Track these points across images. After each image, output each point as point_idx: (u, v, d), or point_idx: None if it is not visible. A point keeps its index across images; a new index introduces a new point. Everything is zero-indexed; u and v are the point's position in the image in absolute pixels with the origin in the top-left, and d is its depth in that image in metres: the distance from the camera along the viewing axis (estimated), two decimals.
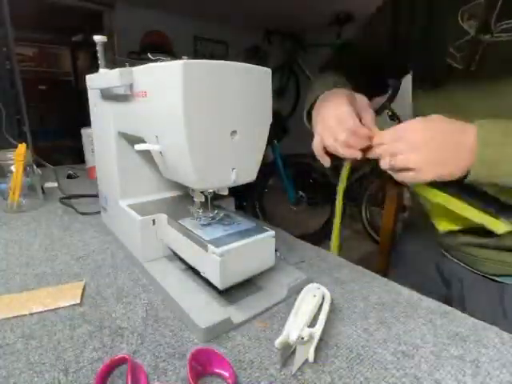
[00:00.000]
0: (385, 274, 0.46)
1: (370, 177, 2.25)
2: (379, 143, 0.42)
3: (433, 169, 0.39)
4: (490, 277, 0.50)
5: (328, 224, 2.16)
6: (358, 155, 0.42)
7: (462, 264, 0.54)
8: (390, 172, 0.42)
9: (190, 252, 0.40)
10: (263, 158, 0.42)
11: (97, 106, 0.53)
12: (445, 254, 0.56)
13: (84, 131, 1.00)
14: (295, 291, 0.40)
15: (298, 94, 3.84)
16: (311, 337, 0.31)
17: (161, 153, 0.38)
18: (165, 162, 0.39)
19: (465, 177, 0.38)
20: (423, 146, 0.39)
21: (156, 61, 0.37)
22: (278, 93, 3.64)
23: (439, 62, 0.52)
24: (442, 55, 0.51)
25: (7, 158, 0.69)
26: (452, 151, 0.38)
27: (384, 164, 0.41)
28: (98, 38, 0.47)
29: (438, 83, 0.53)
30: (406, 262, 0.66)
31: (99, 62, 0.48)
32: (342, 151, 0.42)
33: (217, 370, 0.29)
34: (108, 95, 0.47)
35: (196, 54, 3.46)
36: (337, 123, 0.43)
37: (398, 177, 0.41)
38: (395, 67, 0.64)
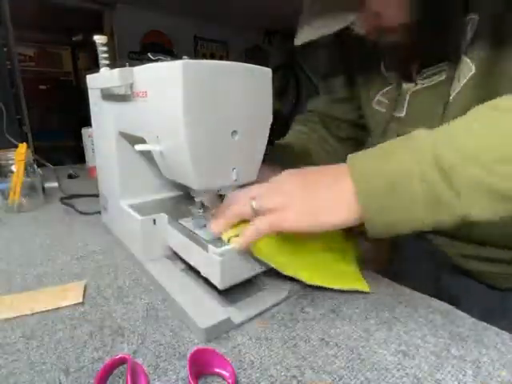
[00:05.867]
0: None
1: None
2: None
3: (306, 214, 0.32)
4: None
5: None
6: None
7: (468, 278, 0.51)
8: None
9: (191, 252, 0.40)
10: (263, 158, 0.42)
11: (97, 106, 0.53)
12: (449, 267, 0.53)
13: (84, 131, 1.00)
14: (295, 291, 0.40)
15: (298, 94, 3.85)
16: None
17: (161, 153, 0.38)
18: (165, 161, 0.39)
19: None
20: (292, 191, 0.34)
21: (156, 61, 0.37)
22: (279, 93, 3.64)
23: (367, 109, 0.54)
24: (369, 101, 0.53)
25: (8, 157, 0.69)
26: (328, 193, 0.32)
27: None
28: (98, 38, 0.47)
29: (375, 130, 0.55)
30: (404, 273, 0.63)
31: (99, 62, 0.48)
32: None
33: (217, 370, 0.29)
34: (108, 95, 0.47)
35: (196, 54, 3.46)
36: None
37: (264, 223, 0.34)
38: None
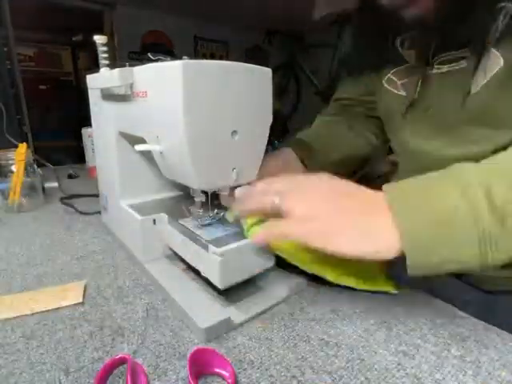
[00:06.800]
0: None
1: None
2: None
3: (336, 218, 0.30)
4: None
5: None
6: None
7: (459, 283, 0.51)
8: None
9: (191, 252, 0.40)
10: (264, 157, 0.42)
11: (97, 106, 0.53)
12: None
13: (85, 131, 1.00)
14: (295, 291, 0.40)
15: (298, 94, 3.85)
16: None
17: (161, 153, 0.38)
18: (165, 162, 0.39)
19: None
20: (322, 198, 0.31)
21: (156, 61, 0.37)
22: (279, 93, 3.63)
23: (379, 87, 0.51)
24: (380, 79, 0.50)
25: (8, 157, 0.69)
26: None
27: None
28: (98, 38, 0.47)
29: (387, 110, 0.52)
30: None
31: (99, 62, 0.48)
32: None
33: (217, 370, 0.29)
34: (108, 95, 0.47)
35: (196, 54, 3.47)
36: None
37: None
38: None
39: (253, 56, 3.86)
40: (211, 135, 0.35)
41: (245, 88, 0.36)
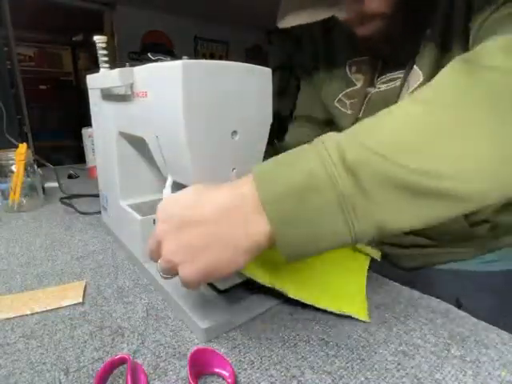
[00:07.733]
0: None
1: None
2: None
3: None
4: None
5: None
6: None
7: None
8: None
9: None
10: (264, 158, 0.42)
11: (97, 106, 0.53)
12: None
13: (85, 131, 1.00)
14: None
15: (298, 94, 3.84)
16: None
17: (161, 153, 0.38)
18: (165, 161, 0.39)
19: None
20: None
21: (156, 61, 0.37)
22: (279, 93, 3.63)
23: (330, 106, 0.57)
24: (333, 100, 0.56)
25: (8, 157, 0.69)
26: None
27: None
28: (98, 38, 0.46)
29: (336, 127, 0.57)
30: None
31: (99, 62, 0.48)
32: None
33: (217, 370, 0.29)
34: (108, 95, 0.47)
35: (196, 54, 3.46)
36: None
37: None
38: None
39: (253, 56, 3.86)
40: (211, 135, 0.35)
41: (245, 88, 0.36)
